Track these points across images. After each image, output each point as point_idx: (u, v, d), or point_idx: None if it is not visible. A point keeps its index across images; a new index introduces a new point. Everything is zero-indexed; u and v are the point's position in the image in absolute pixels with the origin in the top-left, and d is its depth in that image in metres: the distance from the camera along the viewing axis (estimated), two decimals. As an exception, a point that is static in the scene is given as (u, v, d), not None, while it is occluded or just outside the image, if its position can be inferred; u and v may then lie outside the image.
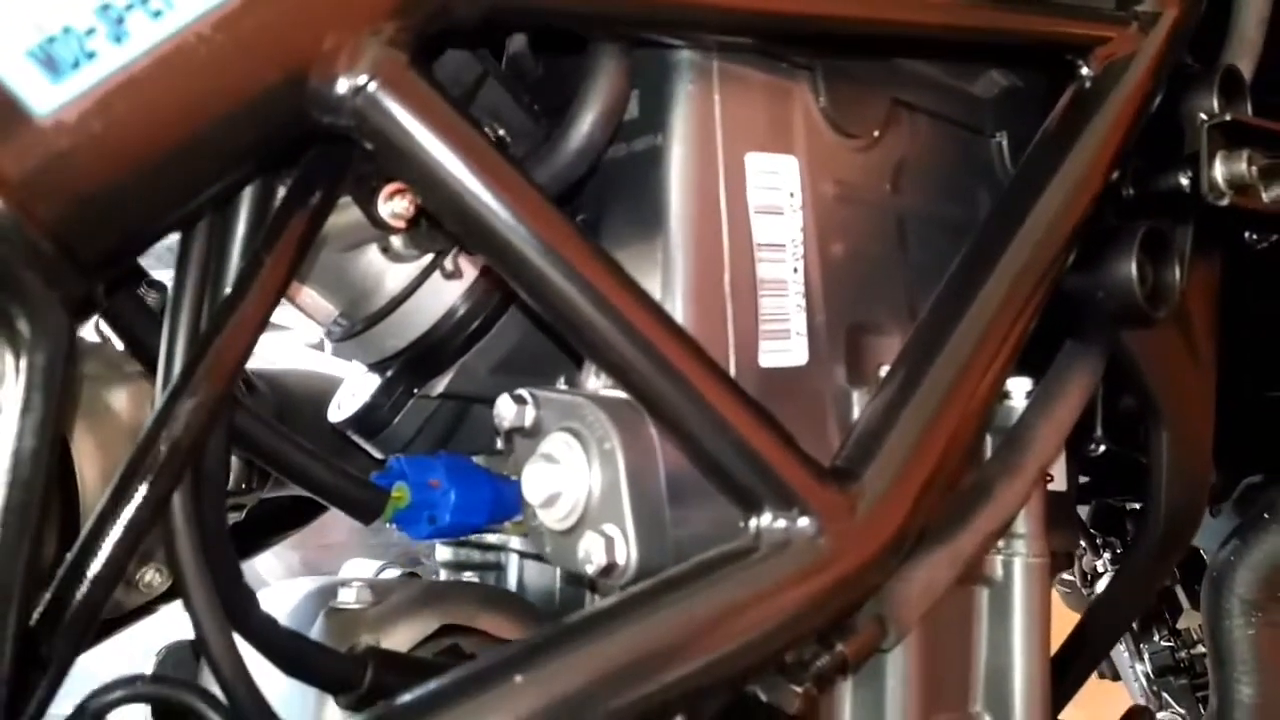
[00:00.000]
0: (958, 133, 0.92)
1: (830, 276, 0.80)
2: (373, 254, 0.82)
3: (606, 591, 0.78)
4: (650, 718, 0.56)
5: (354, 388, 0.88)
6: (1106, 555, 1.91)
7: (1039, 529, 0.89)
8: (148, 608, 0.86)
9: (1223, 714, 1.11)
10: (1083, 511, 1.80)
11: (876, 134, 0.84)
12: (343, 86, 0.51)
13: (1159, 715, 1.92)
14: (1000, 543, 0.89)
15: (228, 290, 0.55)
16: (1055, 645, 0.99)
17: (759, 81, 0.77)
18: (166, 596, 0.86)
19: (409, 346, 0.84)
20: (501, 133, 0.77)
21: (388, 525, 0.79)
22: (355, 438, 0.88)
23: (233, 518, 0.99)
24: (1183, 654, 1.91)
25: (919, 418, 0.68)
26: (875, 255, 0.84)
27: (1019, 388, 0.91)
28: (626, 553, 0.65)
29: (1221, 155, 0.86)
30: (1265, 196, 0.86)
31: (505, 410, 0.72)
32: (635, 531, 0.66)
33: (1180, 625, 1.93)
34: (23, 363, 0.44)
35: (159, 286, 0.76)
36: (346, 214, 0.75)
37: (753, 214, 0.76)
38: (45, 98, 0.44)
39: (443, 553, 1.06)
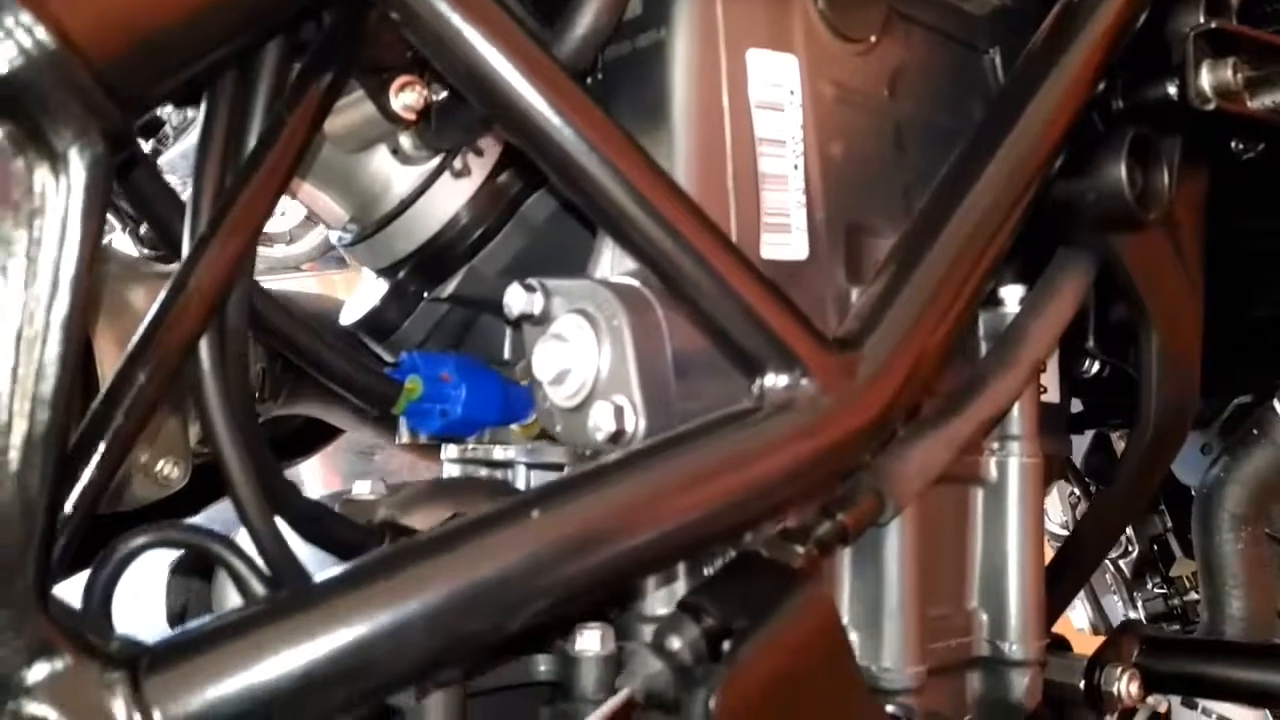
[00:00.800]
0: (953, 46, 0.94)
1: (830, 175, 0.82)
2: (382, 156, 0.84)
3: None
4: (659, 561, 0.58)
5: (364, 294, 0.91)
6: (1100, 503, 1.93)
7: (1033, 431, 0.92)
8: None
9: (1214, 627, 1.14)
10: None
11: (874, 39, 0.86)
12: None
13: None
14: (995, 445, 0.92)
15: (251, 146, 0.57)
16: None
17: (759, -20, 0.79)
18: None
19: (418, 250, 0.86)
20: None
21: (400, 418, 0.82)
22: (366, 340, 0.90)
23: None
24: (1176, 601, 1.93)
25: (916, 296, 0.71)
26: (873, 158, 0.86)
27: (1013, 294, 0.94)
28: (635, 421, 0.68)
29: (1208, 64, 0.89)
30: (1251, 103, 0.88)
31: (515, 298, 0.74)
32: (643, 403, 0.68)
33: (1174, 573, 1.95)
34: (63, 185, 0.46)
35: None
36: (358, 111, 0.78)
37: (754, 109, 0.78)
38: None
39: (450, 470, 1.08)
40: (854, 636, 0.81)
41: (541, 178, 0.87)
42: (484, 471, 1.08)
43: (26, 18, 0.43)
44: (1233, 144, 0.94)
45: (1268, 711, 1.13)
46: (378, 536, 0.73)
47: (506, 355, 0.95)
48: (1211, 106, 0.87)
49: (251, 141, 0.57)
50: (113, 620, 0.56)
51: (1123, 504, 1.01)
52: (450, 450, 0.96)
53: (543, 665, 0.81)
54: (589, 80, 0.79)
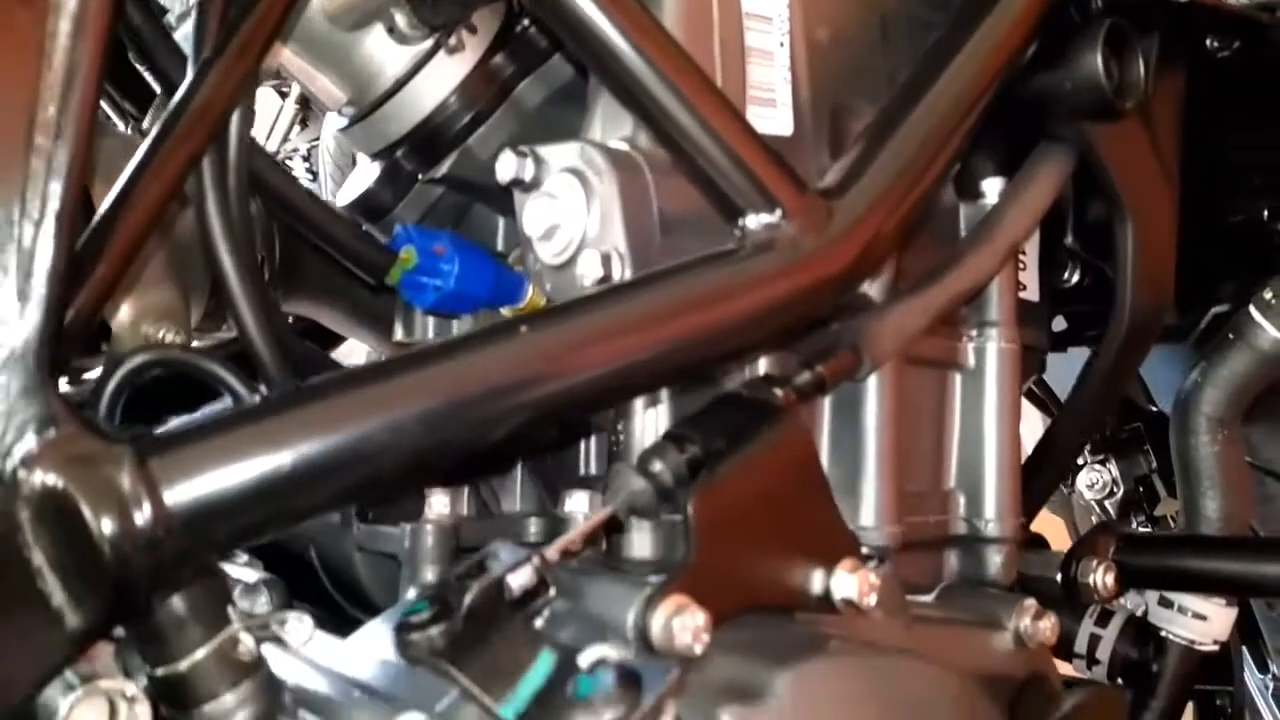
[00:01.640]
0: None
1: (816, 56, 0.84)
2: (378, 35, 0.86)
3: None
4: (640, 385, 0.61)
5: (359, 178, 0.93)
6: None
7: (1010, 317, 0.94)
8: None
9: (1190, 529, 1.16)
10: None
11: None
12: None
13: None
14: (973, 331, 0.94)
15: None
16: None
17: None
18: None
19: (411, 131, 0.89)
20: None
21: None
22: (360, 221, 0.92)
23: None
24: (1160, 540, 1.96)
25: (893, 158, 0.73)
26: (859, 44, 0.89)
27: (993, 187, 0.96)
28: (621, 269, 0.70)
29: (1186, -43, 0.91)
30: (1226, -4, 0.91)
31: (507, 164, 0.76)
32: (629, 252, 0.71)
33: (1158, 513, 1.98)
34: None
35: None
36: (355, -15, 0.80)
37: (740, -17, 0.80)
38: None
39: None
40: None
41: (534, 61, 0.90)
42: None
43: None
44: (1208, 41, 0.97)
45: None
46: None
47: (500, 246, 0.98)
48: (1186, -2, 0.90)
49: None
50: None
51: (1098, 399, 1.04)
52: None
53: (533, 528, 0.84)
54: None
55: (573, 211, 0.73)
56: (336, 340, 1.23)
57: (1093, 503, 2.01)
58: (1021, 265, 1.04)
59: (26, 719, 0.52)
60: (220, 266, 0.60)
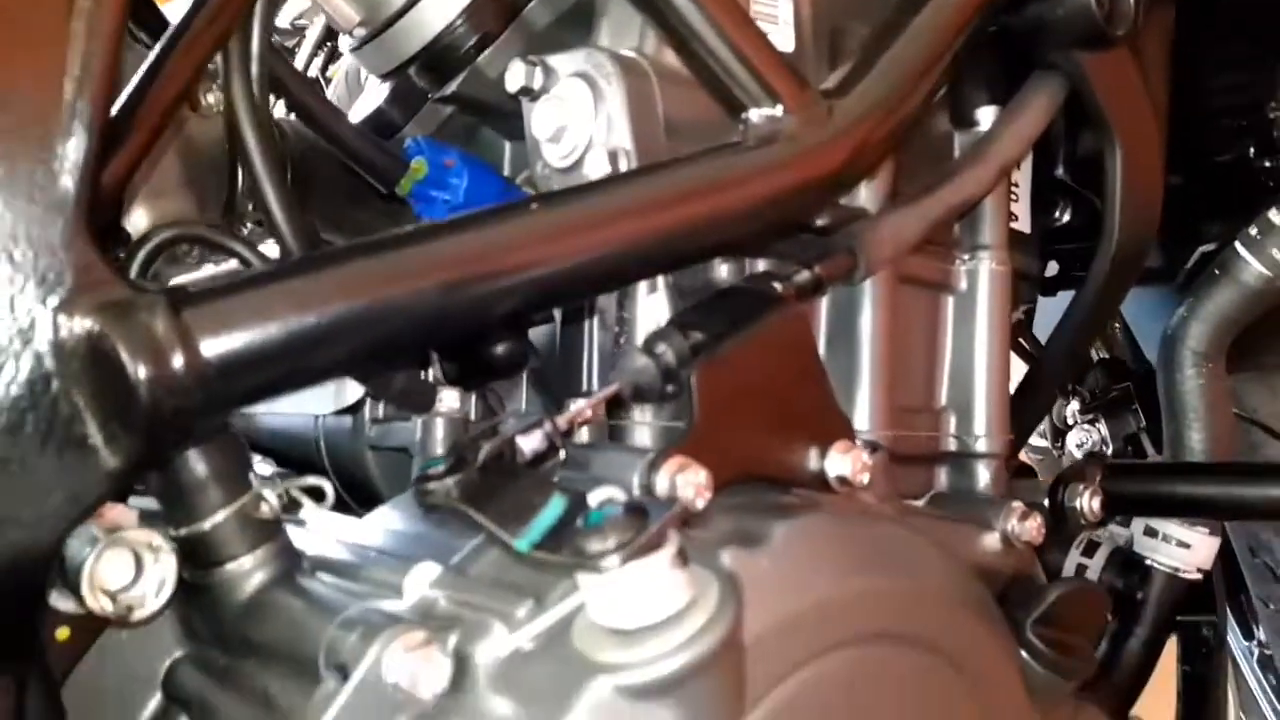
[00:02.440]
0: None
1: (815, -24, 0.87)
2: (392, -48, 0.88)
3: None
4: (646, 267, 0.64)
5: (369, 97, 0.95)
6: (1076, 403, 1.99)
7: (1001, 240, 0.97)
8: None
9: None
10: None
11: None
12: None
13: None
14: (965, 255, 0.97)
15: None
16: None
17: None
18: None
19: (421, 50, 0.91)
20: None
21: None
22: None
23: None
24: (1147, 498, 1.99)
25: (890, 65, 0.76)
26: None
27: (987, 115, 0.99)
28: (628, 166, 0.73)
29: (1176, -108, 0.94)
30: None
31: (516, 73, 0.79)
32: (636, 154, 0.73)
33: (1145, 471, 2.01)
34: None
35: None
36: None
37: (742, -98, 0.83)
38: None
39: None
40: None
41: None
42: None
43: None
44: (1198, -25, 1.00)
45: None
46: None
47: (507, 171, 1.00)
48: (1177, -73, 0.92)
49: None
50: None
51: (1084, 327, 1.07)
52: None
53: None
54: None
55: (581, 114, 0.75)
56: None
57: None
58: (1014, 196, 1.07)
59: (54, 567, 0.54)
60: (244, 142, 0.62)
